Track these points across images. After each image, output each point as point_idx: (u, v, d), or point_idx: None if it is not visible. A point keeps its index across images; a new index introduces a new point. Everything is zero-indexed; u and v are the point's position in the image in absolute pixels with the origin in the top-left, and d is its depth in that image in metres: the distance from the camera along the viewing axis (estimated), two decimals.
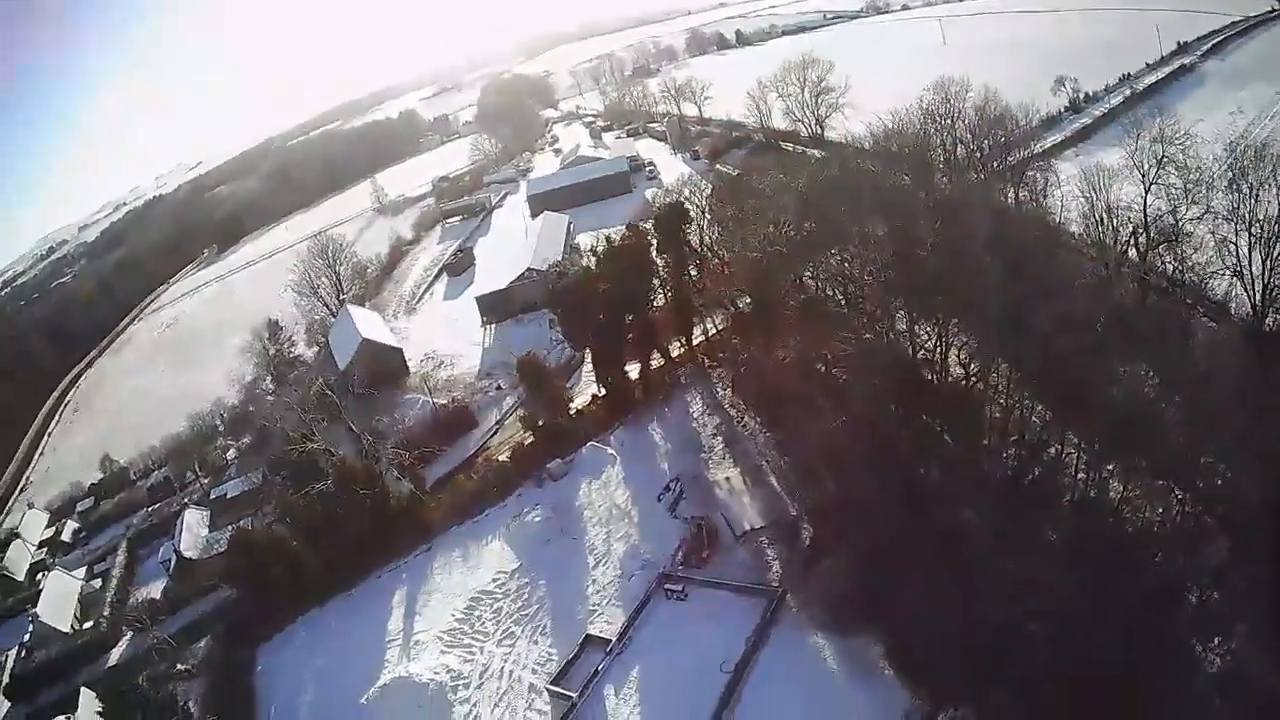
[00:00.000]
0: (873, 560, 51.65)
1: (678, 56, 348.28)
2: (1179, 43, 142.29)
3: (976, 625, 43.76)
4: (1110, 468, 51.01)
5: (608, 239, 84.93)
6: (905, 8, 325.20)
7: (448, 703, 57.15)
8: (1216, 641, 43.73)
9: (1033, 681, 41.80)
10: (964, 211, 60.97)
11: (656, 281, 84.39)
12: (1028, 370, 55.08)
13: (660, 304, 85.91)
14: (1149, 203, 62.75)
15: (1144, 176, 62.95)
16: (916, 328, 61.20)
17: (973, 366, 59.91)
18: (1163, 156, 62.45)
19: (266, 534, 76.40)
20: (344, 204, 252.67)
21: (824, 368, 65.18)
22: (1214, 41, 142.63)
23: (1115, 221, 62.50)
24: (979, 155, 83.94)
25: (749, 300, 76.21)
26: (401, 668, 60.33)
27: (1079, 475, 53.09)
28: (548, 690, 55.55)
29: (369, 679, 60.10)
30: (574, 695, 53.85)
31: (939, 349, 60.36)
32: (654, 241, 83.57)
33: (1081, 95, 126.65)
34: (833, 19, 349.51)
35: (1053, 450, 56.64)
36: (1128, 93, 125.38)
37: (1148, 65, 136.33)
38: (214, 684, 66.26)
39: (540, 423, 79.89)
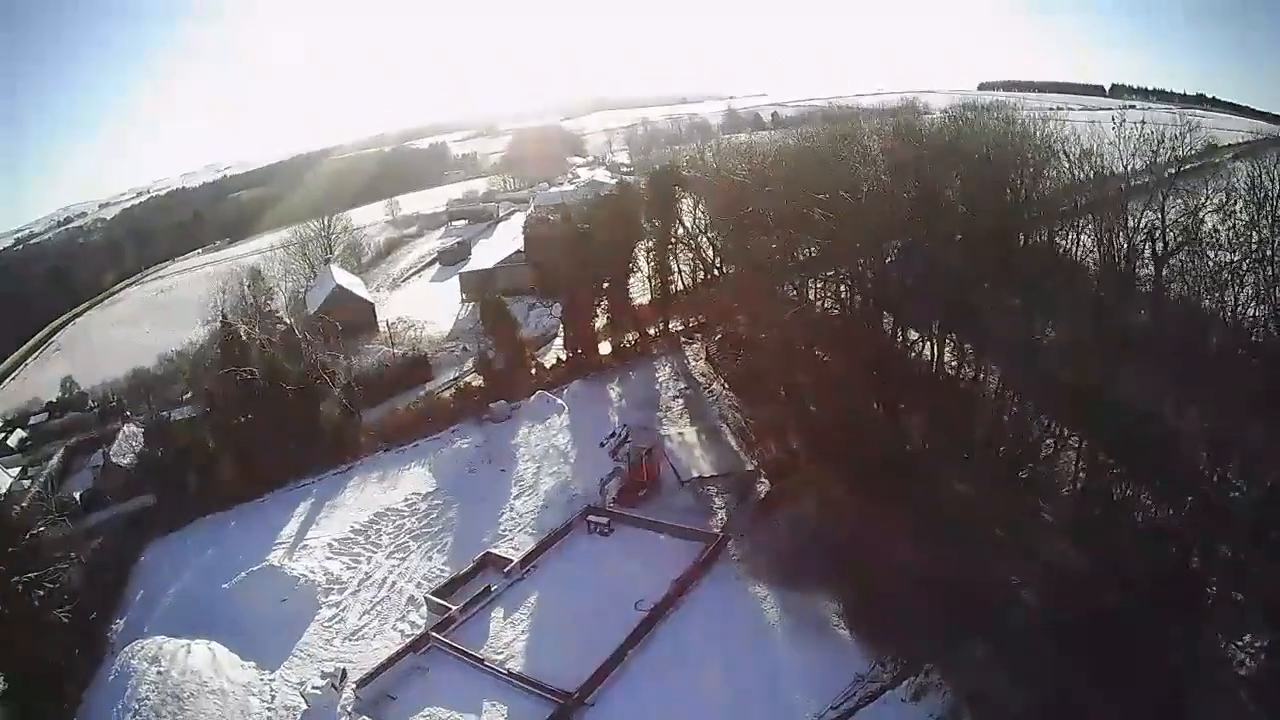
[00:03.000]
0: (837, 514, 46.32)
1: (713, 134, 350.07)
2: None
3: (959, 586, 38.50)
4: (1115, 470, 44.75)
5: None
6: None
7: (315, 602, 50.93)
8: (1247, 639, 37.24)
9: (1020, 640, 36.19)
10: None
11: (641, 248, 79.86)
12: (1024, 369, 49.12)
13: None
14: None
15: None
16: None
17: (964, 369, 54.78)
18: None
19: (186, 426, 70.92)
20: (358, 216, 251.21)
21: (804, 346, 60.37)
22: None
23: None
24: None
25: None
26: (275, 563, 54.02)
27: (1080, 476, 47.18)
28: (426, 599, 49.30)
29: (242, 571, 53.52)
30: (453, 608, 47.38)
31: (929, 346, 55.93)
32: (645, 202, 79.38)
33: None
34: None
35: (1050, 445, 50.37)
36: None
37: None
38: (88, 569, 59.73)
39: (493, 364, 73.97)
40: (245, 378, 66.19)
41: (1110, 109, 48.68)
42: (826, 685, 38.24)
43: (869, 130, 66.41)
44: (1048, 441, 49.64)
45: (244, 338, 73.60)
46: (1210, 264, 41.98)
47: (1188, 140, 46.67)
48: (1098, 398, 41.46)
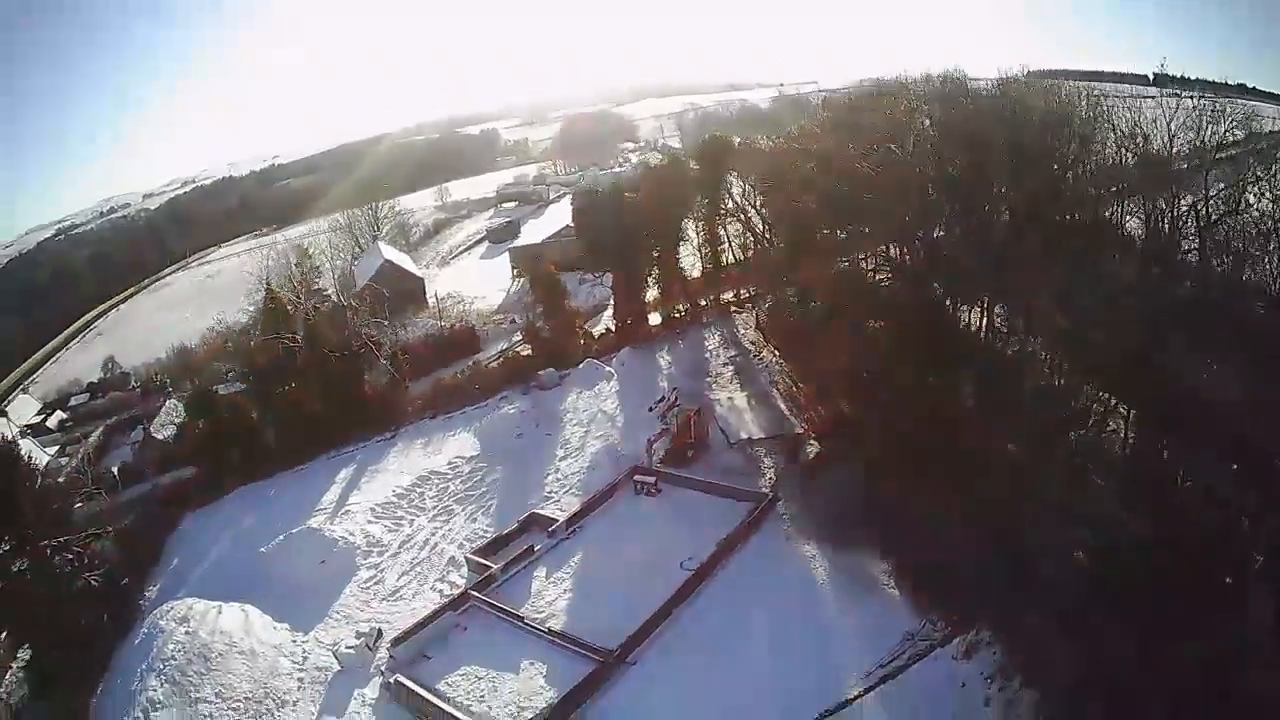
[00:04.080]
0: (887, 473, 44.09)
1: (764, 117, 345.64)
2: None
3: (1010, 547, 36.30)
4: (1163, 440, 42.37)
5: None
6: None
7: (354, 564, 49.96)
8: None
9: (1071, 601, 33.82)
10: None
11: (690, 219, 78.37)
12: (1070, 338, 46.78)
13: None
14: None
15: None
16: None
17: (1012, 338, 52.54)
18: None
19: (229, 398, 70.42)
20: (407, 202, 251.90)
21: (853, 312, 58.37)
22: None
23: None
24: None
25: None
26: (314, 526, 53.31)
27: (1128, 442, 44.53)
28: (466, 559, 48.01)
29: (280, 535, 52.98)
30: (494, 567, 46.09)
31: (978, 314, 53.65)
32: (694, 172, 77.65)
33: None
34: None
35: (1099, 412, 48.00)
36: None
37: None
38: (122, 538, 59.10)
39: (542, 333, 73.02)
40: (288, 342, 65.77)
41: (1155, 96, 46.17)
42: (876, 643, 36.42)
43: (916, 94, 64.04)
44: (1095, 408, 47.50)
45: (288, 305, 73.18)
46: (1254, 222, 39.75)
47: (1233, 124, 44.36)
48: (1144, 367, 39.37)
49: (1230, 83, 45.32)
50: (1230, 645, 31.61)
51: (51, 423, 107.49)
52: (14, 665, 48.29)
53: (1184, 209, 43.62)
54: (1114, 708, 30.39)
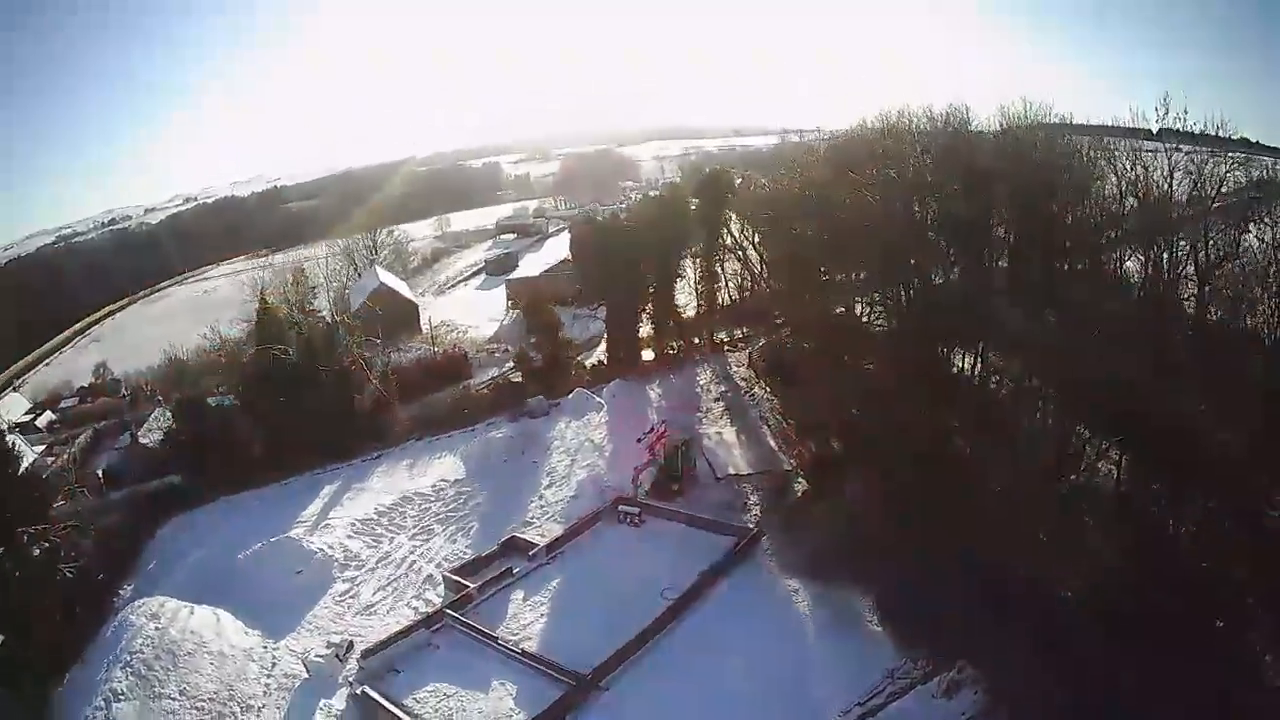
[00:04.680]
0: (874, 510, 44.21)
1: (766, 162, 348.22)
2: None
3: (997, 584, 36.19)
4: (1156, 485, 42.53)
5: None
6: None
7: (330, 576, 49.57)
8: None
9: (1058, 639, 33.71)
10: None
11: (687, 255, 78.67)
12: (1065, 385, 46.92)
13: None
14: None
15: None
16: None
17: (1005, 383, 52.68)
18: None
19: (218, 408, 70.29)
20: (407, 231, 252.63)
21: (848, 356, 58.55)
22: None
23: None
24: None
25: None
26: (293, 536, 52.96)
27: (1120, 486, 44.54)
28: (444, 577, 47.57)
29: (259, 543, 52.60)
30: (471, 586, 45.64)
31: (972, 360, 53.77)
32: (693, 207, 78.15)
33: None
34: None
35: (1090, 456, 48.03)
36: None
37: None
38: (102, 537, 58.86)
39: (533, 359, 72.98)
40: (279, 354, 65.60)
41: (1158, 150, 46.65)
42: (856, 680, 35.88)
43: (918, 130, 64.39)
44: (1088, 452, 47.50)
45: (281, 318, 73.08)
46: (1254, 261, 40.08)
47: (1234, 165, 44.91)
48: (1139, 411, 39.49)
49: (1233, 137, 45.69)
50: (1220, 689, 31.49)
51: (40, 423, 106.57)
52: None
53: (1183, 252, 43.74)
54: None
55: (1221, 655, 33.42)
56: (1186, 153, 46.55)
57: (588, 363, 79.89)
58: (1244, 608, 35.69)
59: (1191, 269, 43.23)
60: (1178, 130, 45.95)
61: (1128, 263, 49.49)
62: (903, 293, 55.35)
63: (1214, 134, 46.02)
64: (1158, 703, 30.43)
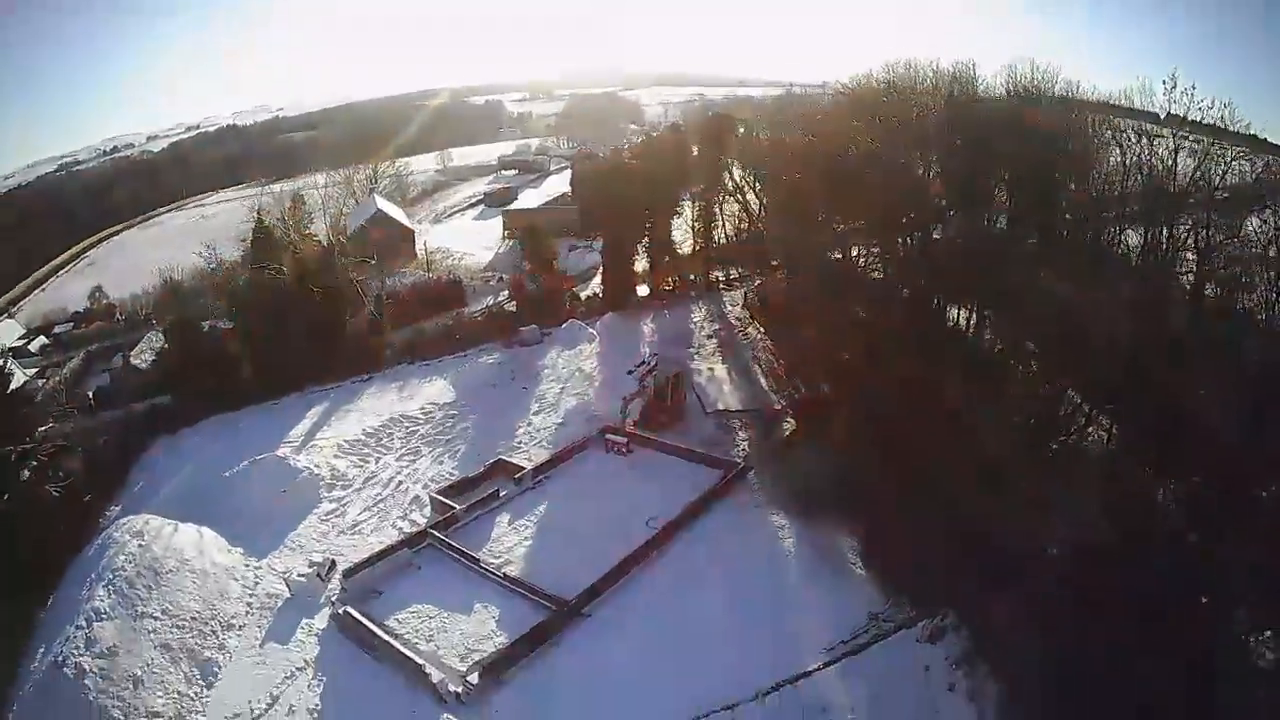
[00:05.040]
0: (863, 453, 43.59)
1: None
2: None
3: (982, 536, 35.69)
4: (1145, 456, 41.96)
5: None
6: None
7: (316, 495, 49.25)
8: (1268, 635, 33.93)
9: (1041, 595, 33.25)
10: None
11: (687, 195, 77.71)
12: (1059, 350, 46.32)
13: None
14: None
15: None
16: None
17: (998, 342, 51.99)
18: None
19: (208, 331, 69.72)
20: (409, 164, 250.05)
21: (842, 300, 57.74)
22: None
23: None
24: None
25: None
26: (280, 455, 52.54)
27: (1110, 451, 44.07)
28: (430, 498, 47.52)
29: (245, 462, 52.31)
30: (457, 508, 45.48)
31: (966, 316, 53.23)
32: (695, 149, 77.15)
33: None
34: None
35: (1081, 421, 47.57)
36: None
37: None
38: (90, 457, 57.94)
39: (528, 287, 72.28)
40: (273, 272, 64.82)
41: (1163, 135, 45.81)
42: (839, 620, 35.65)
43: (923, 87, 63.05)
44: (1079, 415, 47.11)
45: (276, 238, 72.22)
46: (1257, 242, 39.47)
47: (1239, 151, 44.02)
48: (1135, 388, 39.09)
49: (1240, 131, 44.66)
50: (1202, 658, 31.30)
51: (33, 347, 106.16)
52: None
53: (1184, 229, 43.11)
54: (1084, 706, 29.91)
55: (1205, 627, 33.22)
56: (1192, 139, 45.87)
57: (583, 294, 79.22)
58: (1231, 584, 35.47)
59: (1191, 243, 42.55)
60: (1182, 117, 44.97)
61: (1128, 232, 48.70)
62: (900, 243, 54.71)
63: (1219, 125, 44.91)
64: (1139, 664, 30.23)
